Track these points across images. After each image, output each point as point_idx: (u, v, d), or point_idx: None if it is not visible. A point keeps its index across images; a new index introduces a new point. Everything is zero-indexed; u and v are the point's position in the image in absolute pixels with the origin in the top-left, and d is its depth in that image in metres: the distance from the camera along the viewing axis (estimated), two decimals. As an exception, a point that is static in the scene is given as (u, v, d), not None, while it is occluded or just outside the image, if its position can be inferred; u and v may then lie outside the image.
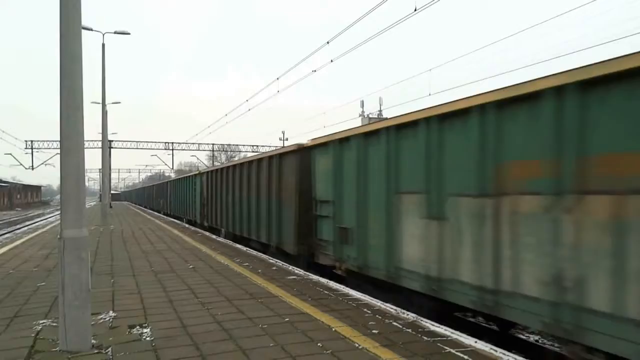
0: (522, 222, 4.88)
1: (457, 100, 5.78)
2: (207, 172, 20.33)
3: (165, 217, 31.55)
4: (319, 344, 4.64)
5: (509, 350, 4.60)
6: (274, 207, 11.57)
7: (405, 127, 6.66)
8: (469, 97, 5.59)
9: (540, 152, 4.66)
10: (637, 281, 3.85)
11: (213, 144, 54.41)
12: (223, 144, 57.42)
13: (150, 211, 41.49)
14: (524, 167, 4.86)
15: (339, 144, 8.45)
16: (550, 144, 4.55)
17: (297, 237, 10.14)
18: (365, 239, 7.67)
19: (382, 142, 7.15)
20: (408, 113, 6.68)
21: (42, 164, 48.71)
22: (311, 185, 9.58)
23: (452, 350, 4.46)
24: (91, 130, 71.43)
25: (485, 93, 5.32)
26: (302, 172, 10.04)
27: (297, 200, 10.17)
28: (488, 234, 5.26)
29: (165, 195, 34.82)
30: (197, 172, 23.28)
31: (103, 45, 23.43)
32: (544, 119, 4.64)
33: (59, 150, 4.81)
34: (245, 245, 13.42)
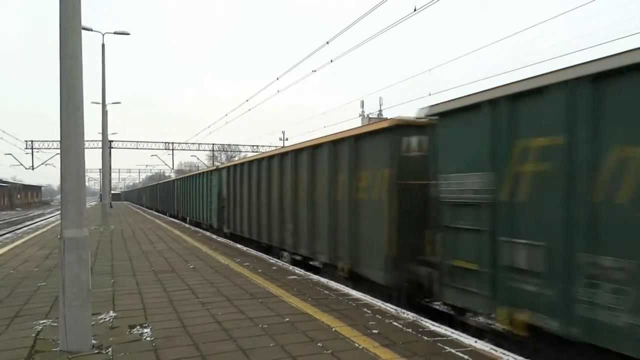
0: None
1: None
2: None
3: (165, 216, 31.52)
4: (319, 344, 4.64)
5: (509, 350, 4.59)
6: None
7: None
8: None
9: None
10: None
11: (213, 144, 54.38)
12: (223, 144, 57.33)
13: (150, 211, 41.47)
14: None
15: None
16: None
17: None
18: None
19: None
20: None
21: (43, 164, 48.68)
22: None
23: (452, 350, 4.46)
24: (91, 130, 71.47)
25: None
26: None
27: None
28: None
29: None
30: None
31: (103, 45, 23.45)
32: None
33: (59, 150, 4.81)
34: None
